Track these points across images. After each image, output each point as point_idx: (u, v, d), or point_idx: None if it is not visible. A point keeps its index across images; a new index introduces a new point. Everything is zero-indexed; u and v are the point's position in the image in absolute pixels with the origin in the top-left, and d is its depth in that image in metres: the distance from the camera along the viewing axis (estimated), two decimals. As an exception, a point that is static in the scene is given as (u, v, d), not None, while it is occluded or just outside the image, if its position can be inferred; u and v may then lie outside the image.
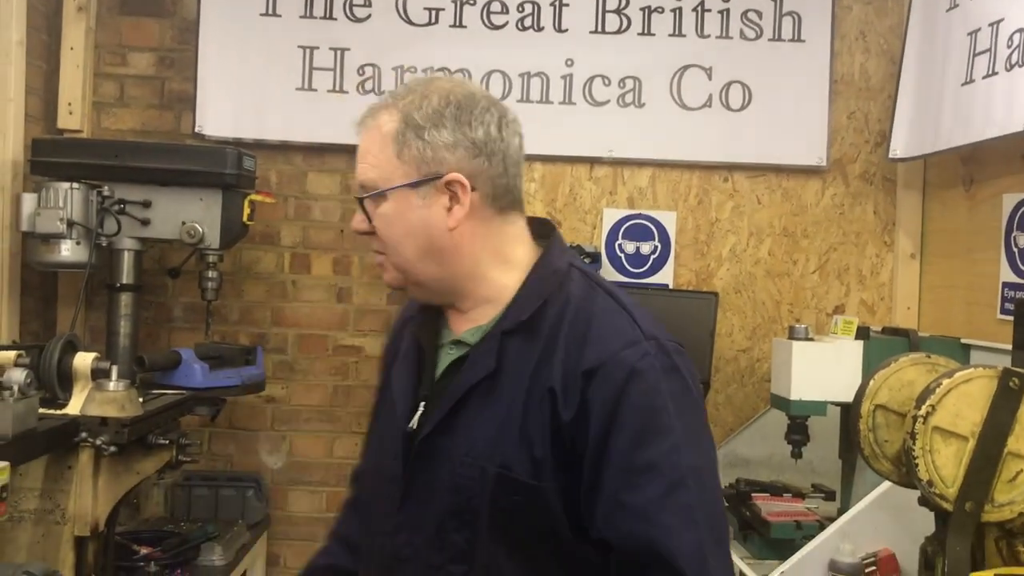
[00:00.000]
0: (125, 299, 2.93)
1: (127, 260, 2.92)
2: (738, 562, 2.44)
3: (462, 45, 3.35)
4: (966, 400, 1.87)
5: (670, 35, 3.37)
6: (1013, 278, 2.73)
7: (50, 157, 2.85)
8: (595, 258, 3.27)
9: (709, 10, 3.36)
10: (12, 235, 2.91)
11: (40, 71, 3.18)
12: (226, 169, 2.84)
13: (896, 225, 3.42)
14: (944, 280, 3.21)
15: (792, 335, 2.69)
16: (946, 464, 1.87)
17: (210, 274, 2.95)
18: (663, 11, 3.37)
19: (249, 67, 3.34)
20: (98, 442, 1.92)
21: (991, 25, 2.71)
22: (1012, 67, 2.59)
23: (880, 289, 3.43)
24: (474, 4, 3.36)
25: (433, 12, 3.35)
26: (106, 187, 2.81)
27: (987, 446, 1.84)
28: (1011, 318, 2.27)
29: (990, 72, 2.70)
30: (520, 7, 3.36)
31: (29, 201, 2.78)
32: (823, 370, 2.61)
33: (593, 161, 3.42)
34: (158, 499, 3.05)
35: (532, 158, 3.39)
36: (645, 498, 1.24)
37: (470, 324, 1.39)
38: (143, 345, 3.08)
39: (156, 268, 3.28)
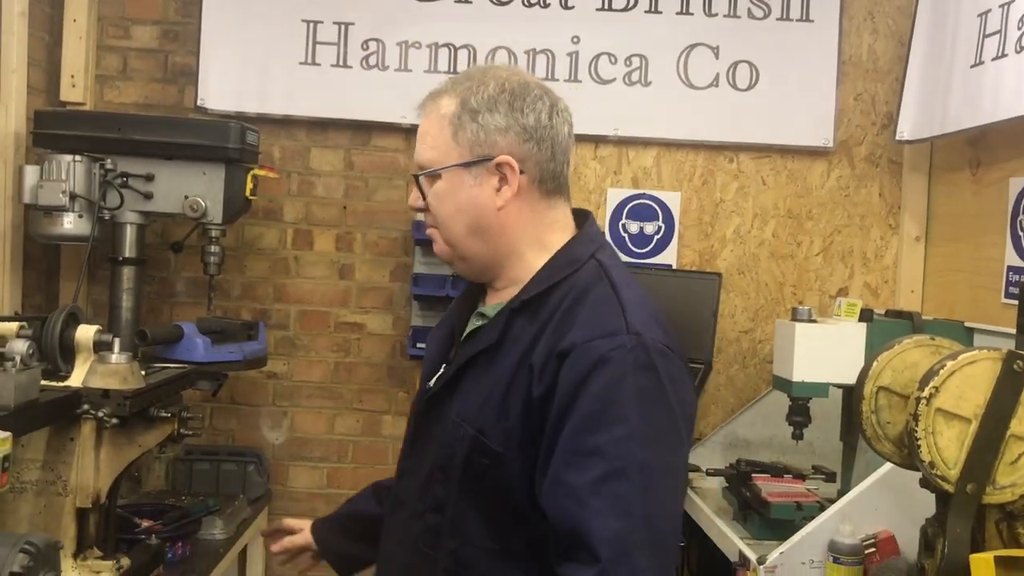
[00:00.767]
0: (127, 273, 2.93)
1: (130, 234, 2.91)
2: (737, 542, 2.45)
3: (468, 21, 3.33)
4: (969, 382, 1.87)
5: (677, 13, 3.34)
6: (1018, 262, 2.72)
7: (53, 129, 2.84)
8: (598, 237, 3.25)
9: (717, -12, 3.34)
10: (14, 207, 2.90)
11: (43, 43, 3.17)
12: (229, 143, 2.83)
13: (901, 208, 3.41)
14: (949, 263, 3.20)
15: (795, 317, 2.69)
16: (948, 446, 1.87)
17: (212, 249, 2.95)
18: (670, -11, 3.34)
19: (252, 41, 3.32)
20: (100, 414, 1.92)
21: (1001, 6, 2.69)
22: (1022, 49, 2.57)
23: (884, 272, 3.43)
24: (480, -20, 3.33)
25: (439, -13, 3.33)
26: (109, 160, 2.79)
27: (990, 428, 1.84)
28: (1015, 302, 2.26)
29: (1000, 54, 2.68)
30: (526, -17, 3.34)
31: (31, 173, 2.77)
32: (826, 352, 2.61)
33: (598, 140, 3.41)
34: (159, 473, 3.06)
35: (537, 136, 3.37)
36: (582, 480, 1.28)
37: (496, 300, 1.51)
38: (145, 319, 3.08)
39: (159, 242, 3.27)
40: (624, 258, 3.35)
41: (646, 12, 3.35)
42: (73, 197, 2.74)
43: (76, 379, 2.00)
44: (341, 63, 3.33)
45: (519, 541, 1.38)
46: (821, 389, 2.61)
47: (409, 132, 3.37)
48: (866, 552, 2.22)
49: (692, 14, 3.35)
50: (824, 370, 2.59)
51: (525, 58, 3.34)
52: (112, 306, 2.93)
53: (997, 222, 2.84)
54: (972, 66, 2.83)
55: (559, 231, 1.49)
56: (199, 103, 3.30)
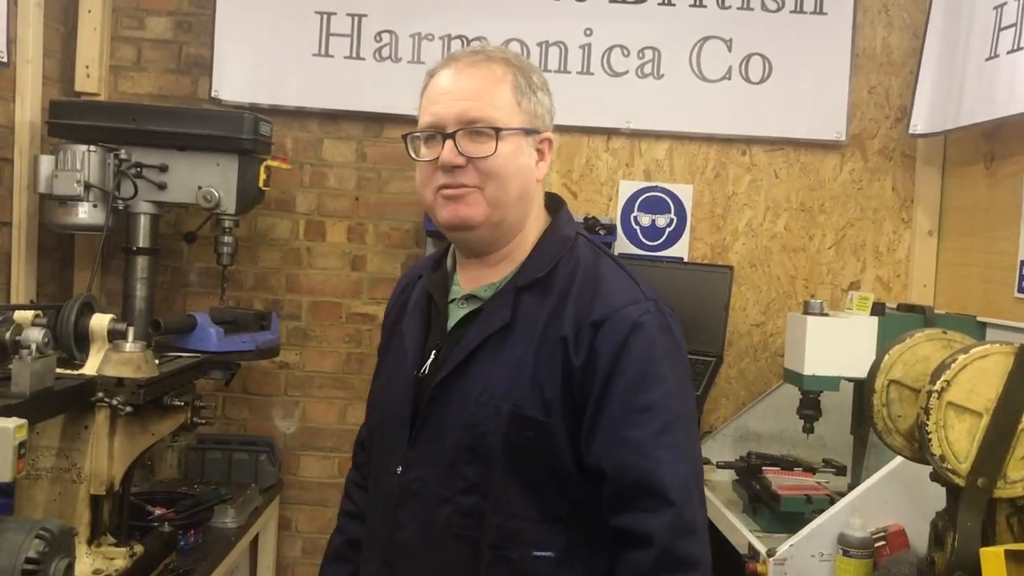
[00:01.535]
0: (141, 263, 2.94)
1: (143, 224, 2.92)
2: (748, 535, 2.45)
3: (480, 13, 3.33)
4: (981, 376, 1.87)
5: (690, 5, 3.34)
6: (1032, 256, 2.71)
7: (67, 119, 2.85)
8: (611, 230, 3.26)
9: (730, -19, 3.33)
10: (29, 197, 2.92)
11: (58, 33, 3.18)
12: (243, 134, 2.84)
13: (914, 202, 3.39)
14: (961, 258, 3.19)
15: (807, 310, 2.68)
16: (959, 440, 1.87)
17: (226, 239, 2.96)
18: (684, -19, 3.33)
19: (266, 32, 3.33)
20: (114, 402, 1.93)
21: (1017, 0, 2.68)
22: (1037, 42, 2.56)
23: (896, 266, 3.42)
24: (493, -28, 3.33)
25: (452, -21, 3.33)
26: (123, 150, 2.81)
27: (1001, 422, 1.84)
28: (1029, 296, 2.25)
29: (1015, 47, 2.67)
30: (539, -25, 3.33)
31: (46, 163, 2.79)
32: (837, 345, 2.60)
33: (610, 132, 3.40)
34: (172, 461, 3.08)
35: (549, 128, 3.37)
36: (642, 434, 1.40)
37: (483, 281, 1.55)
38: (158, 309, 3.10)
39: (172, 232, 3.29)
40: (636, 251, 3.36)
41: (659, 4, 3.34)
42: (88, 187, 2.76)
43: (91, 367, 2.02)
44: (354, 55, 3.34)
45: (561, 506, 1.45)
46: (832, 383, 2.61)
47: (421, 124, 3.37)
48: (876, 545, 2.22)
49: (705, 6, 3.34)
50: (835, 364, 2.59)
51: (538, 50, 3.34)
52: (126, 295, 2.95)
53: (1011, 216, 2.83)
54: (987, 59, 2.81)
55: (542, 210, 1.61)
56: (213, 94, 3.32)
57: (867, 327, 2.63)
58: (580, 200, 3.39)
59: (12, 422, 1.49)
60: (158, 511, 2.52)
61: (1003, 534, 1.91)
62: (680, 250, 3.41)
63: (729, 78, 3.35)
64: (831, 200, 3.42)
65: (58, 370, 1.90)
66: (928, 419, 1.87)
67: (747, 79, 3.35)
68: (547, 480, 1.44)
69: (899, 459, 2.20)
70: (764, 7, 3.33)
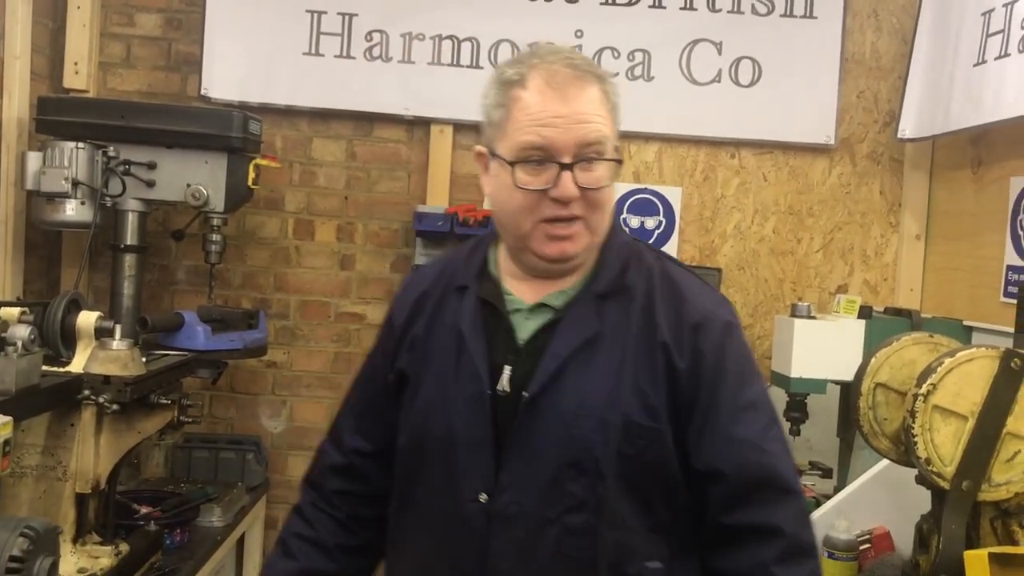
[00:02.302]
0: (129, 260, 2.93)
1: (131, 221, 2.91)
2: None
3: (471, 13, 3.33)
4: (967, 380, 1.88)
5: (681, 8, 3.34)
6: (1018, 261, 2.73)
7: (56, 116, 2.84)
8: (599, 231, 3.26)
9: (721, -16, 3.34)
10: (17, 193, 2.90)
11: (46, 29, 3.16)
12: (232, 132, 2.84)
13: (902, 206, 3.41)
14: (948, 262, 3.20)
15: (794, 313, 2.69)
16: (945, 443, 1.88)
17: (214, 237, 2.95)
18: (674, -16, 3.34)
19: (256, 30, 3.32)
20: (101, 400, 1.93)
21: (1005, 6, 2.69)
22: (1025, 49, 2.58)
23: (884, 270, 3.43)
24: (484, -28, 3.33)
25: (443, -21, 3.33)
26: (111, 147, 2.79)
27: (986, 426, 1.85)
28: (1014, 301, 2.26)
29: (1003, 53, 2.69)
30: (531, -24, 3.34)
31: (34, 160, 2.77)
32: (824, 348, 2.62)
33: (600, 134, 3.40)
34: (158, 460, 3.06)
35: (539, 129, 3.37)
36: (753, 431, 1.41)
37: (548, 289, 1.47)
38: (146, 307, 3.08)
39: (160, 230, 3.27)
40: (624, 252, 3.36)
41: (650, 7, 3.34)
42: (75, 184, 2.74)
43: (77, 365, 2.01)
44: (345, 54, 3.33)
45: (666, 514, 1.43)
46: (819, 385, 2.62)
47: (411, 124, 3.37)
48: (861, 548, 2.24)
49: (696, 9, 3.34)
50: (822, 366, 2.60)
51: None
52: (113, 293, 2.94)
53: (997, 221, 2.85)
54: (975, 65, 2.83)
55: None
56: (202, 92, 3.31)
57: (854, 330, 2.65)
58: (569, 201, 3.39)
59: (-3, 419, 1.49)
60: (144, 510, 2.51)
61: (987, 537, 1.92)
62: (669, 252, 3.40)
63: (719, 81, 3.36)
64: (819, 203, 3.43)
65: (44, 367, 1.89)
66: (914, 422, 1.88)
67: (737, 82, 3.36)
68: (655, 488, 1.42)
69: (884, 462, 2.21)
70: (754, 11, 3.34)
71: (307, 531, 1.62)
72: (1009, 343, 2.04)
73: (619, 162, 1.43)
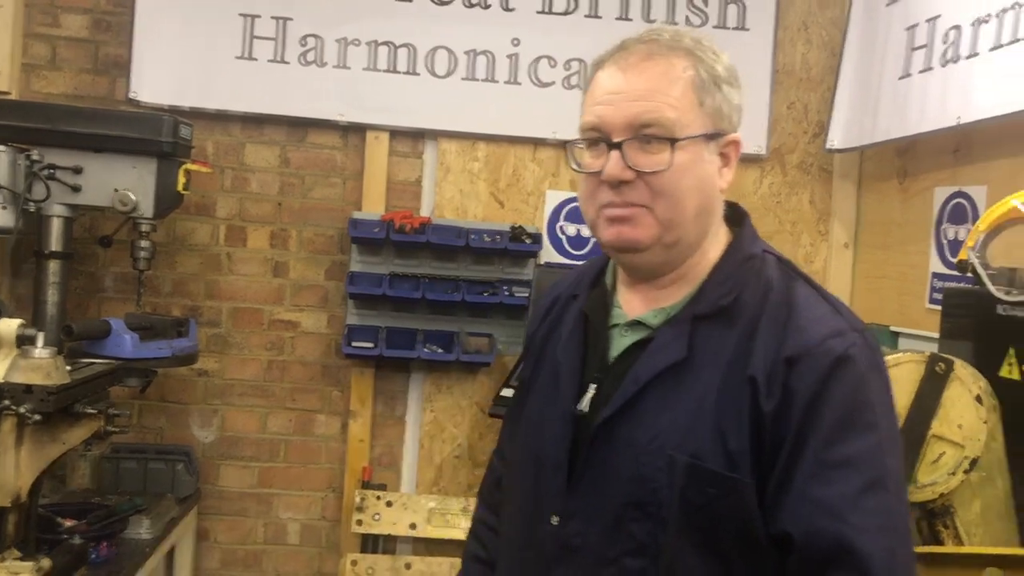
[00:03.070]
0: (53, 267, 2.85)
1: (56, 227, 2.83)
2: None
3: (408, 20, 3.32)
4: (894, 384, 1.90)
5: (617, 18, 3.38)
6: (942, 269, 2.81)
7: (-24, 118, 2.76)
8: (536, 239, 3.27)
9: (656, -5, 3.38)
10: (-65, 197, 2.80)
11: (-32, 28, 3.07)
12: (161, 137, 2.78)
13: (831, 215, 3.48)
14: (876, 270, 3.28)
15: (728, 319, 2.72)
16: (873, 446, 1.91)
17: (142, 244, 2.89)
18: (611, -6, 3.37)
19: (187, 33, 3.26)
20: (22, 410, 1.87)
21: (928, 21, 2.77)
22: (947, 63, 2.65)
23: (814, 277, 3.48)
24: (421, -21, 3.32)
25: (379, -15, 3.31)
26: (35, 151, 2.73)
27: (912, 428, 1.89)
28: (939, 307, 2.33)
29: (926, 67, 2.76)
30: (467, -16, 3.34)
31: (-47, 163, 2.69)
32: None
33: (537, 142, 3.42)
34: (84, 471, 2.98)
35: (476, 137, 3.38)
36: (837, 493, 1.14)
37: (652, 305, 1.31)
38: (71, 315, 3.01)
39: (87, 236, 3.19)
40: (561, 260, 3.38)
41: (586, 16, 3.37)
42: (-3, 188, 2.66)
43: (-3, 374, 1.95)
44: (279, 59, 3.29)
45: (740, 573, 1.20)
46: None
47: (346, 130, 3.35)
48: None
49: (631, 19, 3.38)
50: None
51: (465, 59, 3.34)
52: (37, 300, 2.85)
53: (923, 230, 2.92)
54: (900, 78, 2.91)
55: (723, 222, 1.35)
56: (131, 95, 3.24)
57: (785, 337, 2.68)
58: (507, 209, 3.40)
59: (-90, 430, 1.43)
60: (68, 523, 2.43)
61: (913, 537, 1.96)
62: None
63: (654, 91, 3.38)
64: (751, 212, 3.46)
65: (-38, 377, 1.83)
66: (843, 426, 1.91)
67: (671, 92, 3.39)
68: (732, 546, 1.19)
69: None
70: (688, 21, 3.39)
71: (478, 550, 1.55)
72: (935, 348, 2.09)
73: (722, 136, 1.27)
